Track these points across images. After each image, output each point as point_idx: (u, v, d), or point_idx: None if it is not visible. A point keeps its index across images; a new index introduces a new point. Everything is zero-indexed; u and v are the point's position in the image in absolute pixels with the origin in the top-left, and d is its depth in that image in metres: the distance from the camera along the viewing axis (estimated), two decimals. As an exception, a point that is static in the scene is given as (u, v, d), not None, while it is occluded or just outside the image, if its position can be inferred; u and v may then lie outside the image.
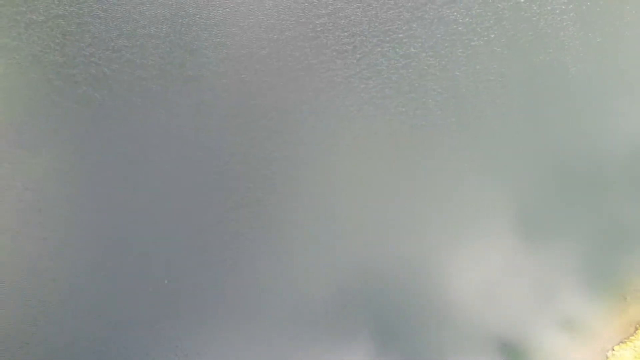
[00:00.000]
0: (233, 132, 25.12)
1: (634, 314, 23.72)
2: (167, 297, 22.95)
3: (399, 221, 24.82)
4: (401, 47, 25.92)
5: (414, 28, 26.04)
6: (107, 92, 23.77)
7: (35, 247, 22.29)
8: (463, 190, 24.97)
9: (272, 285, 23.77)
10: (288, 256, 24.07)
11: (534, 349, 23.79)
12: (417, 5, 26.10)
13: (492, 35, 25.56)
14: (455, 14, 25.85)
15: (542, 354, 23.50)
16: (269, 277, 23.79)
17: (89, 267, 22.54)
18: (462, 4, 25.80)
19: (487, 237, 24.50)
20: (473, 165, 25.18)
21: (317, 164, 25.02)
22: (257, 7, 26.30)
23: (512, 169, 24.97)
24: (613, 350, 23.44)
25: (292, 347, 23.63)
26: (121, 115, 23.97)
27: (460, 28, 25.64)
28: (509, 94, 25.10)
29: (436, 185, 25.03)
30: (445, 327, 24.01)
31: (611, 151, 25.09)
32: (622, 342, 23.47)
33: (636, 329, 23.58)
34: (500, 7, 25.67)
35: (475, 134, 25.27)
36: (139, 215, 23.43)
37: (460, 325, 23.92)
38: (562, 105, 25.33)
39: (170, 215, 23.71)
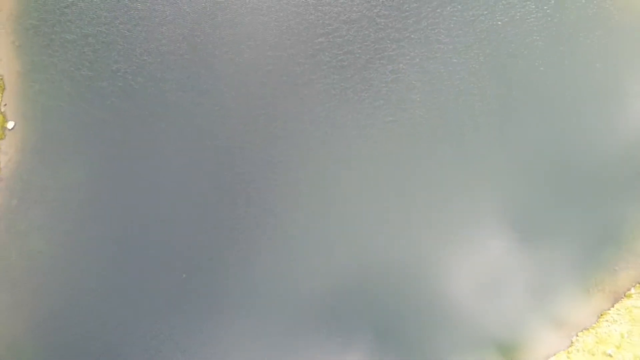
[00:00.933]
0: (242, 138, 27.93)
1: (596, 305, 25.94)
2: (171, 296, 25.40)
3: (391, 220, 27.01)
4: (390, 64, 28.72)
5: (402, 47, 28.85)
6: (132, 103, 26.92)
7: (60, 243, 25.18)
8: (447, 191, 27.24)
9: (272, 284, 26.01)
10: (288, 254, 26.26)
11: (510, 337, 25.98)
12: (404, 27, 28.96)
13: (472, 54, 28.24)
14: (438, 35, 28.65)
15: (515, 340, 25.70)
16: (269, 275, 26.03)
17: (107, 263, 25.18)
18: (445, 25, 28.60)
19: (470, 235, 26.67)
20: (456, 169, 27.47)
21: (315, 167, 27.62)
22: (263, 28, 29.39)
23: (489, 170, 27.22)
24: (577, 335, 25.70)
25: (290, 345, 25.78)
26: (144, 122, 27.06)
27: (442, 47, 28.41)
28: (486, 105, 27.69)
29: (423, 186, 27.27)
30: (432, 317, 26.14)
31: (582, 151, 27.24)
32: (585, 329, 25.70)
33: (599, 317, 25.81)
34: (479, 29, 28.40)
35: (457, 140, 27.67)
36: (158, 212, 26.19)
37: (446, 317, 25.99)
38: (534, 113, 27.73)
39: (186, 213, 26.30)
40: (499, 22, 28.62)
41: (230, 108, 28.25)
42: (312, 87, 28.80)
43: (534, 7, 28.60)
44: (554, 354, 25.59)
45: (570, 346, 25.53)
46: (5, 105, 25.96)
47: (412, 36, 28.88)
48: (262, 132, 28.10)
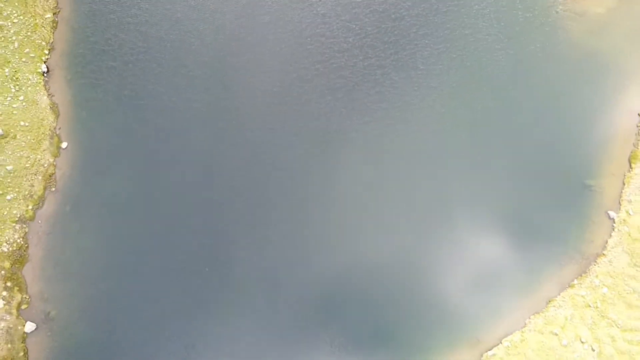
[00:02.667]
0: (254, 148, 33.29)
1: (545, 293, 30.87)
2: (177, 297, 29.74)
3: (379, 223, 31.99)
4: (376, 87, 33.97)
5: (387, 72, 34.03)
6: (166, 118, 32.53)
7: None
8: (423, 196, 32.28)
9: (270, 284, 30.29)
10: (287, 254, 30.92)
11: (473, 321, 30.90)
12: (387, 56, 34.16)
13: (444, 78, 33.23)
14: (415, 62, 33.76)
15: (478, 323, 30.67)
16: (266, 275, 30.38)
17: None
18: (420, 54, 33.71)
19: (433, 233, 31.60)
20: (433, 175, 32.49)
21: (311, 173, 32.83)
22: (272, 57, 34.75)
23: (456, 174, 32.13)
24: (529, 318, 30.71)
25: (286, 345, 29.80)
26: (176, 134, 32.62)
27: (419, 72, 33.57)
28: (455, 120, 32.72)
29: (406, 190, 32.33)
30: (408, 309, 30.77)
31: (536, 160, 31.98)
32: (536, 312, 30.70)
33: (547, 303, 30.78)
34: (449, 57, 33.38)
35: (431, 150, 32.65)
36: (185, 216, 31.62)
37: (420, 310, 30.70)
38: (500, 129, 32.66)
39: (201, 212, 31.64)
40: (465, 53, 33.62)
41: (245, 122, 33.76)
42: (310, 105, 34.30)
43: (498, 45, 33.47)
44: (511, 333, 30.78)
45: (524, 327, 30.60)
46: (59, 128, 31.82)
47: (394, 63, 34.10)
48: (271, 144, 33.60)
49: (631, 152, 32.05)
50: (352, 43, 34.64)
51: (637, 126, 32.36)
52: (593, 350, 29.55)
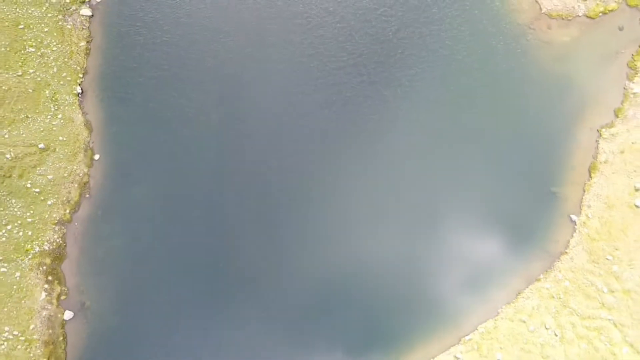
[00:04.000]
0: (261, 154, 36.93)
1: (516, 286, 35.49)
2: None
3: (368, 224, 36.52)
4: (367, 100, 38.17)
5: (377, 88, 38.38)
6: (188, 127, 36.77)
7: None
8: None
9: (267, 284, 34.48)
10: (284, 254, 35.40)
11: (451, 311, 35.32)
12: (377, 72, 38.44)
13: (423, 94, 37.73)
14: (402, 79, 38.13)
15: (455, 313, 35.08)
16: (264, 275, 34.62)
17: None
18: (407, 72, 38.15)
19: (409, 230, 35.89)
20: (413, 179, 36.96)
21: (311, 175, 36.81)
22: (277, 73, 38.90)
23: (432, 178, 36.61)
24: (502, 308, 35.22)
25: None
26: (198, 142, 36.70)
27: (405, 88, 38.03)
28: (438, 136, 37.23)
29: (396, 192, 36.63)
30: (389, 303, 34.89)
31: (509, 162, 36.52)
32: (507, 303, 35.24)
33: (517, 295, 35.35)
34: (432, 75, 37.87)
35: (415, 164, 37.12)
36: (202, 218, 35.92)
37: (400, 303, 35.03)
38: (476, 138, 37.19)
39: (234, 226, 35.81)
40: (445, 72, 38.22)
41: (254, 131, 37.57)
42: (310, 116, 38.23)
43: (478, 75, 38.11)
44: (486, 321, 35.30)
45: (497, 315, 35.09)
46: (92, 142, 36.35)
47: (383, 80, 38.48)
48: (278, 147, 37.63)
49: (591, 164, 36.67)
50: (347, 62, 39.00)
51: (596, 141, 37.01)
52: (556, 335, 34.12)
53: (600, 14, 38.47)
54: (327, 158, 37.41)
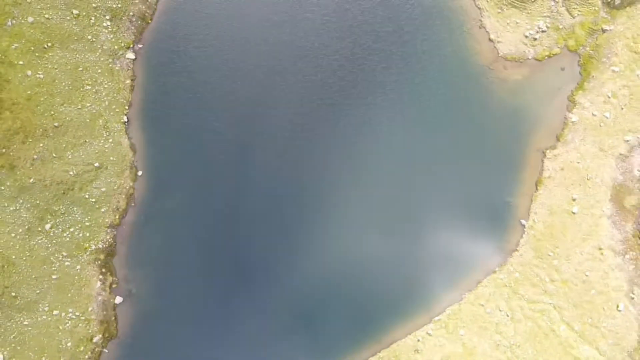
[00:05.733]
0: (275, 164, 45.18)
1: (475, 277, 44.04)
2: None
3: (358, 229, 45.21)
4: (359, 108, 46.73)
5: (372, 108, 46.96)
6: (217, 138, 45.08)
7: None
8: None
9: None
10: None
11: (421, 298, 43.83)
12: (363, 96, 47.02)
13: (394, 109, 46.48)
14: (375, 95, 46.40)
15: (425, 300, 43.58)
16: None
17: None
18: (373, 88, 46.54)
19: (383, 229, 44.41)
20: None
21: (311, 178, 44.97)
22: (282, 93, 47.13)
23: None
24: (465, 294, 43.74)
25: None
26: (222, 157, 44.77)
27: (377, 102, 46.52)
28: (409, 152, 45.94)
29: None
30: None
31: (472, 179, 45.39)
32: (469, 290, 43.79)
33: (477, 284, 43.93)
34: (401, 92, 46.72)
35: (387, 171, 45.80)
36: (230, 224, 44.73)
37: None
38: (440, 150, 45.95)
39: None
40: (417, 97, 47.05)
41: (267, 148, 46.15)
42: (312, 131, 46.36)
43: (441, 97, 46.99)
44: (452, 304, 43.75)
45: (461, 300, 43.47)
46: (136, 161, 45.05)
47: (366, 103, 47.11)
48: (287, 157, 45.85)
49: (537, 179, 45.42)
50: (340, 85, 47.33)
51: (542, 160, 45.79)
52: (507, 316, 42.70)
53: (546, 57, 47.48)
54: (317, 158, 46.09)
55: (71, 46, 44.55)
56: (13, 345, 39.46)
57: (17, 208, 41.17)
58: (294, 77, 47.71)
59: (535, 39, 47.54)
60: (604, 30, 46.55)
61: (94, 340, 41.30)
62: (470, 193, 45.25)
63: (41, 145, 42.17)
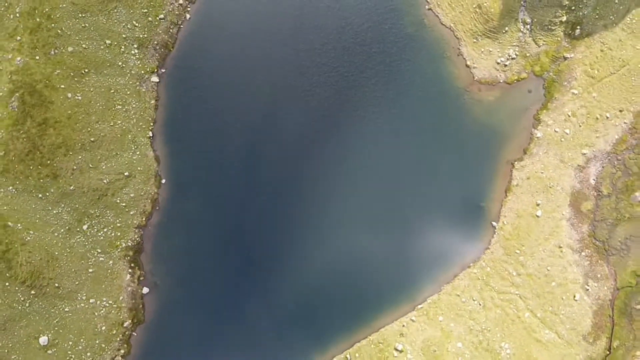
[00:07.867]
0: (280, 172, 52.99)
1: (453, 271, 50.91)
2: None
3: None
4: (355, 112, 53.77)
5: (366, 123, 54.21)
6: (228, 157, 52.14)
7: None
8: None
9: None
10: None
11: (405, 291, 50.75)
12: (353, 112, 54.17)
13: (377, 122, 53.59)
14: (359, 110, 53.66)
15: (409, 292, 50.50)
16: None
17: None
18: (358, 103, 53.91)
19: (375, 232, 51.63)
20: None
21: (310, 180, 52.14)
22: (286, 111, 54.51)
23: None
24: (443, 286, 50.66)
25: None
26: (234, 168, 51.70)
27: (363, 115, 53.81)
28: (396, 163, 53.00)
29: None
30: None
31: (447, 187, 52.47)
32: (447, 282, 50.67)
33: (454, 277, 50.82)
34: (390, 115, 53.91)
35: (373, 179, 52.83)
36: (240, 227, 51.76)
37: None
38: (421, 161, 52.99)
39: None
40: (402, 115, 54.15)
41: (277, 154, 53.10)
42: (312, 144, 54.25)
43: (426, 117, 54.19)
44: (432, 295, 50.55)
45: (440, 291, 50.05)
46: (160, 171, 51.78)
47: (357, 118, 54.25)
48: (294, 167, 53.06)
49: (507, 186, 52.46)
50: (335, 99, 54.20)
51: (511, 171, 52.85)
52: (480, 304, 49.63)
53: (515, 81, 54.68)
54: (313, 161, 52.84)
55: (104, 71, 51.62)
56: (56, 328, 46.31)
57: (59, 211, 48.11)
58: (295, 92, 54.47)
59: (505, 65, 54.74)
60: (565, 58, 53.73)
61: (125, 325, 48.16)
62: (449, 199, 52.18)
63: (80, 157, 49.16)
